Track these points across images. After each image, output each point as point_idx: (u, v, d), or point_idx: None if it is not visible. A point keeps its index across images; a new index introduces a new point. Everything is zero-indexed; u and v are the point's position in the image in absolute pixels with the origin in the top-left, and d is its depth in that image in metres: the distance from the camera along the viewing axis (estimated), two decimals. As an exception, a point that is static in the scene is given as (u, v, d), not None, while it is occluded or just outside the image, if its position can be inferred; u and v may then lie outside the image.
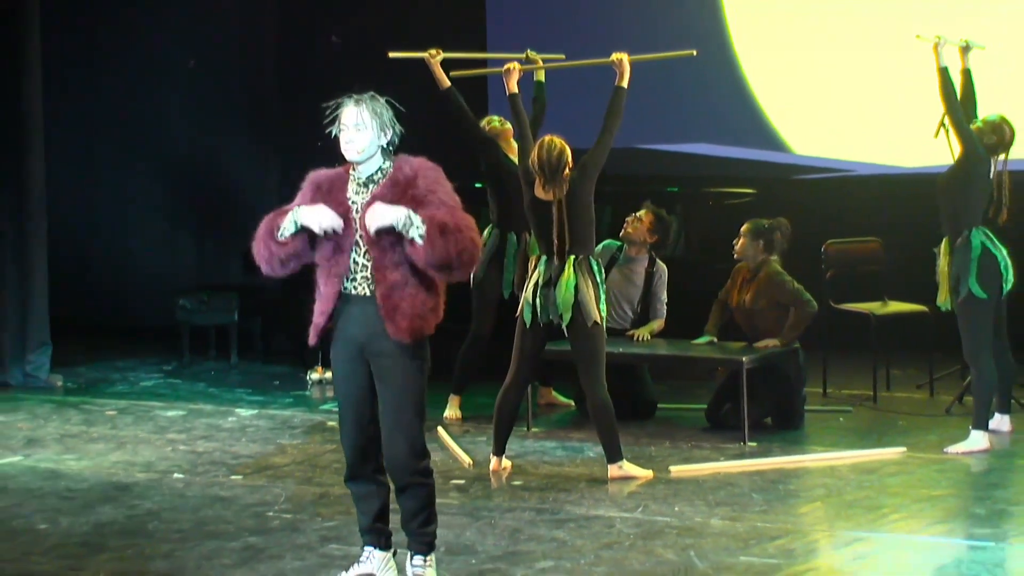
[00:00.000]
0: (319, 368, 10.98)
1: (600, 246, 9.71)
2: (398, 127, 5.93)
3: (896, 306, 10.36)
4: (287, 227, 5.83)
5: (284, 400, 10.57)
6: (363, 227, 5.79)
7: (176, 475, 8.32)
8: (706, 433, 9.21)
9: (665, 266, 9.75)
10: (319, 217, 5.78)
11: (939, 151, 9.82)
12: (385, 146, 5.90)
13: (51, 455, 8.87)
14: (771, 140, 12.26)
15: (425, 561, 6.05)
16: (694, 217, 11.81)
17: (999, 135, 8.81)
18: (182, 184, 13.89)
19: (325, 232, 5.79)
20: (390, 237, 5.75)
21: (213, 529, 7.14)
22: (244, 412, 10.18)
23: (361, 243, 5.83)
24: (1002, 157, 8.88)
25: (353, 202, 5.86)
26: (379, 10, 13.21)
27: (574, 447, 8.89)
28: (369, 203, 5.78)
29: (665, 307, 9.67)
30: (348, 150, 5.86)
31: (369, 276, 5.84)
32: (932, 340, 10.14)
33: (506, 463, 8.26)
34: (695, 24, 12.52)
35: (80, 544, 6.92)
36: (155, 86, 13.79)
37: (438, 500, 7.57)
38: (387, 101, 5.95)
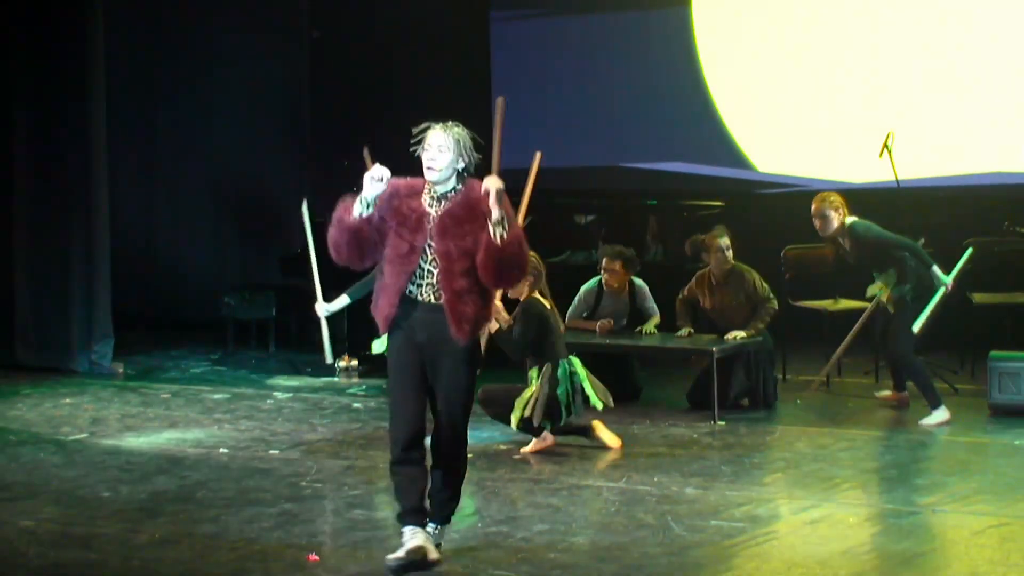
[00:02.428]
0: (346, 357, 10.93)
1: (582, 291, 9.77)
2: (475, 155, 5.80)
3: (846, 303, 10.33)
4: (356, 209, 5.67)
5: (315, 385, 10.54)
6: (436, 238, 5.66)
7: (222, 450, 8.29)
8: (683, 413, 9.18)
9: (643, 282, 9.77)
10: (371, 172, 5.65)
11: (882, 169, 9.85)
12: (460, 170, 5.77)
13: (113, 433, 8.85)
14: (737, 159, 12.22)
15: (437, 529, 5.97)
16: (670, 227, 11.80)
17: None
18: (228, 196, 13.88)
19: (374, 181, 5.64)
20: (458, 248, 5.64)
21: (253, 497, 7.11)
22: (281, 395, 10.15)
23: (430, 252, 5.69)
24: None
25: (428, 213, 5.72)
26: (394, 55, 13.21)
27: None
28: (442, 218, 5.67)
29: (655, 306, 9.68)
30: (429, 169, 5.73)
31: (434, 284, 5.69)
32: (877, 332, 10.11)
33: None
34: (669, 55, 12.49)
35: (138, 509, 6.89)
36: (206, 111, 13.80)
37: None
38: (470, 132, 5.86)
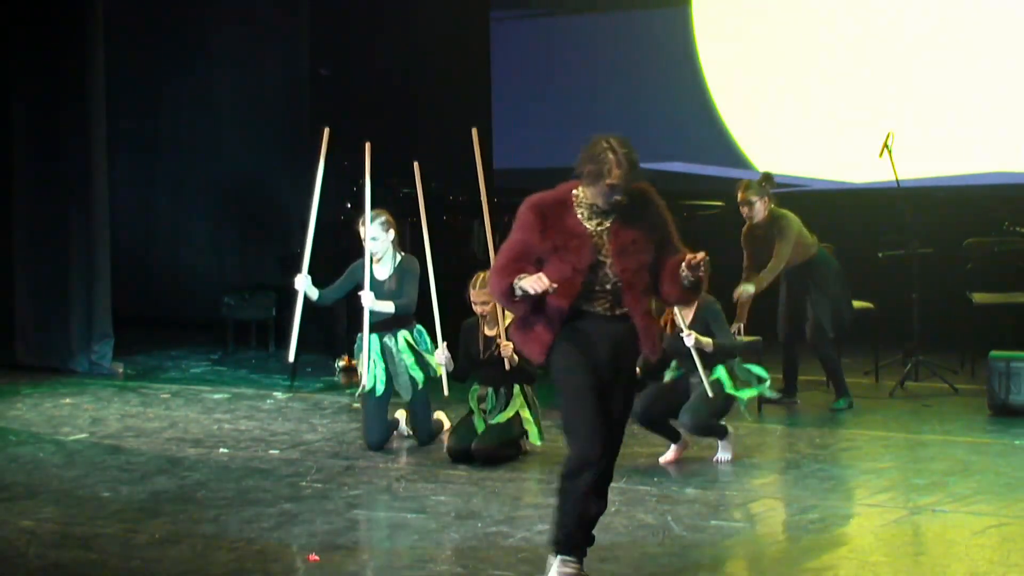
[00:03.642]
0: (345, 357, 10.93)
1: None
2: (639, 168, 5.48)
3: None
4: (518, 294, 5.31)
5: (315, 385, 10.54)
6: (615, 256, 5.35)
7: (222, 450, 8.29)
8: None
9: None
10: (539, 285, 5.23)
11: (882, 169, 9.85)
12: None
13: (113, 433, 8.85)
14: (736, 159, 12.23)
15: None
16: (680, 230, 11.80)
17: None
18: (228, 197, 13.88)
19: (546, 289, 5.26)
20: (639, 263, 5.39)
21: (253, 497, 7.11)
22: (280, 395, 10.15)
23: (600, 270, 5.36)
24: None
25: (588, 228, 5.39)
26: (395, 55, 13.22)
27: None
28: (618, 236, 5.36)
29: None
30: (611, 202, 5.36)
31: (613, 298, 5.38)
32: (877, 333, 10.13)
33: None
34: (669, 55, 12.50)
35: (138, 510, 6.89)
36: (206, 114, 13.82)
37: (445, 473, 7.60)
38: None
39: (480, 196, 8.07)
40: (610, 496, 6.95)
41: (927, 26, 11.57)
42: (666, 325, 7.73)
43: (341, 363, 11.03)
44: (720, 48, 12.35)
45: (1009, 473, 7.48)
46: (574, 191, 5.46)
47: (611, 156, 5.36)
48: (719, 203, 11.98)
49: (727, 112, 12.30)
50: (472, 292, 7.95)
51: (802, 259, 9.08)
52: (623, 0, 12.73)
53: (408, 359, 8.11)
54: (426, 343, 8.21)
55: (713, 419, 7.73)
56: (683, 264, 5.35)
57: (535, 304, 5.39)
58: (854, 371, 10.34)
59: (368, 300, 8.00)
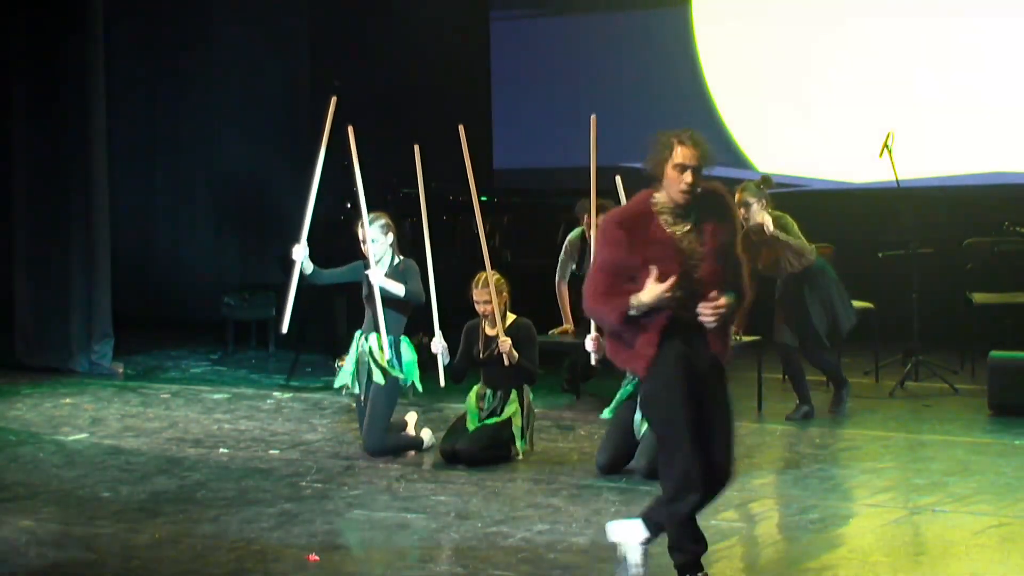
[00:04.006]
0: (344, 357, 10.91)
1: (568, 243, 9.49)
2: (710, 154, 5.36)
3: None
4: (634, 311, 5.21)
5: (315, 385, 10.54)
6: (704, 258, 5.24)
7: (221, 450, 8.29)
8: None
9: None
10: (659, 292, 5.16)
11: (882, 169, 9.86)
12: None
13: (113, 433, 8.85)
14: (737, 159, 12.23)
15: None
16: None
17: None
18: (228, 197, 13.89)
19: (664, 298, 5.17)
20: (723, 267, 5.28)
21: (253, 497, 7.12)
22: (280, 395, 10.15)
23: (695, 271, 5.22)
24: None
25: (674, 234, 5.26)
26: (395, 55, 13.22)
27: (567, 426, 8.87)
28: (705, 240, 5.25)
29: None
30: (685, 190, 5.24)
31: (698, 302, 5.23)
32: (877, 333, 10.13)
33: None
34: (669, 55, 12.50)
35: (138, 510, 6.89)
36: (206, 114, 13.83)
37: (445, 473, 7.60)
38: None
39: (471, 192, 8.03)
40: (610, 496, 7.00)
41: (927, 26, 11.57)
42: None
43: (340, 363, 11.01)
44: (720, 48, 12.36)
45: (1009, 473, 7.48)
46: (651, 198, 5.34)
47: (673, 139, 5.31)
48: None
49: (727, 112, 12.31)
50: (474, 291, 7.94)
51: (800, 267, 9.04)
52: (623, 0, 12.73)
53: (371, 360, 8.07)
54: (397, 352, 8.07)
55: None
56: (702, 305, 5.21)
57: (620, 320, 5.27)
58: (854, 371, 10.34)
59: (377, 276, 7.95)
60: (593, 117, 7.60)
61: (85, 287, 11.08)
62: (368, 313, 8.15)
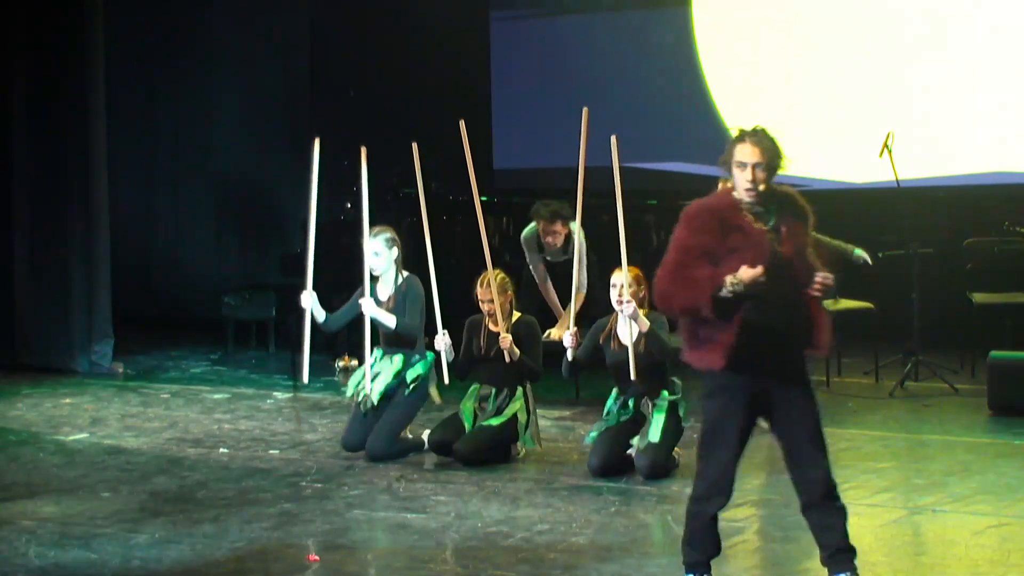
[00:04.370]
0: (346, 357, 10.94)
1: (526, 238, 9.43)
2: (785, 161, 5.33)
3: (846, 303, 10.30)
4: (728, 291, 5.06)
5: (315, 385, 10.52)
6: (788, 257, 5.16)
7: (221, 450, 8.29)
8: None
9: (582, 231, 8.94)
10: (753, 275, 5.05)
11: (882, 169, 9.86)
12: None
13: (113, 432, 8.85)
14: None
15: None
16: (671, 226, 11.77)
17: None
18: (228, 197, 13.89)
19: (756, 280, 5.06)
20: (805, 267, 5.19)
21: (253, 497, 7.12)
22: (280, 395, 10.15)
23: (778, 268, 5.12)
24: None
25: (756, 231, 5.21)
26: (394, 55, 13.22)
27: (567, 426, 8.87)
28: (786, 236, 5.20)
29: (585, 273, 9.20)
30: (751, 190, 5.21)
31: (781, 301, 5.14)
32: (877, 333, 10.13)
33: None
34: (669, 55, 12.50)
35: (138, 509, 6.90)
36: (206, 114, 13.83)
37: (445, 473, 7.60)
38: (772, 134, 5.40)
39: (471, 188, 7.99)
40: (610, 496, 7.00)
41: (927, 26, 11.57)
42: (609, 333, 7.68)
43: (341, 363, 11.03)
44: (720, 48, 12.35)
45: (1009, 473, 7.48)
46: (733, 193, 5.29)
47: (736, 135, 5.31)
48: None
49: (727, 112, 12.30)
50: (479, 290, 7.93)
51: None
52: (623, 0, 12.73)
53: (390, 376, 8.01)
54: (423, 369, 8.03)
55: (668, 459, 7.51)
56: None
57: (694, 316, 5.18)
58: (854, 371, 10.35)
59: (369, 307, 7.92)
60: (585, 110, 7.55)
61: (85, 287, 11.08)
62: (382, 332, 8.09)
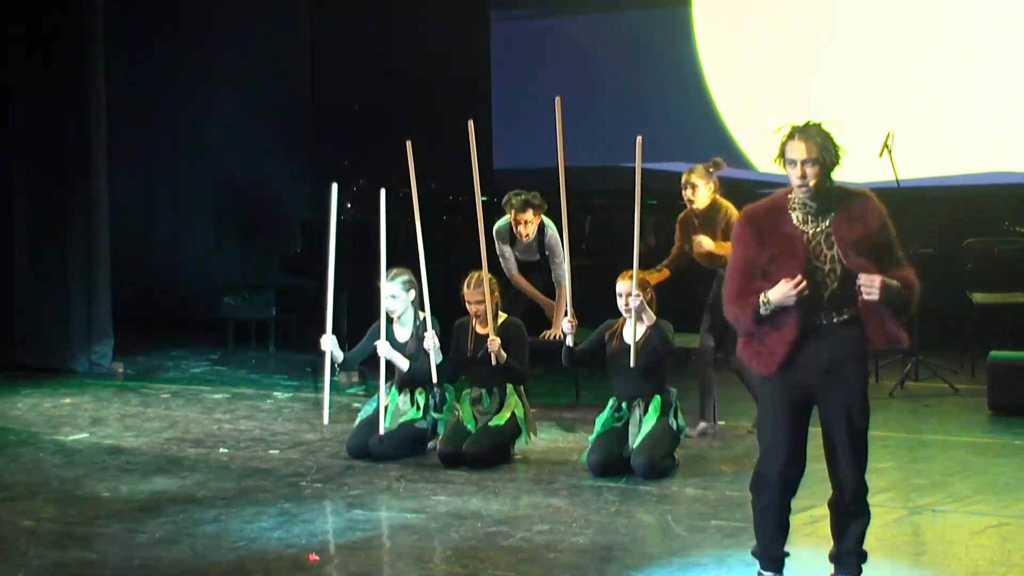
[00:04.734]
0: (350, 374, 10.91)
1: (498, 231, 9.23)
2: (841, 155, 5.29)
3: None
4: (763, 310, 5.07)
5: (316, 385, 10.53)
6: (829, 259, 5.08)
7: (222, 450, 8.29)
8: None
9: (552, 223, 9.13)
10: (788, 290, 5.01)
11: (882, 169, 9.85)
12: (831, 175, 5.22)
13: (113, 432, 8.85)
14: (737, 158, 12.21)
15: None
16: (671, 226, 11.77)
17: None
18: (228, 197, 13.90)
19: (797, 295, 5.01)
20: (866, 265, 5.07)
21: (254, 497, 7.12)
22: (281, 395, 10.15)
23: (824, 271, 5.09)
24: None
25: (804, 232, 5.14)
26: (395, 55, 13.23)
27: (567, 426, 8.87)
28: (841, 229, 5.11)
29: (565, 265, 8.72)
30: (802, 186, 5.13)
31: (833, 304, 5.09)
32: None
33: None
34: (669, 55, 12.50)
35: (138, 509, 6.89)
36: (206, 114, 13.84)
37: (445, 473, 7.59)
38: (825, 127, 5.36)
39: (475, 190, 7.97)
40: (610, 496, 7.00)
41: (927, 26, 11.57)
42: (615, 333, 7.68)
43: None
44: (720, 48, 12.36)
45: (1009, 473, 7.48)
46: (789, 194, 5.23)
47: (786, 132, 5.23)
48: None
49: (727, 112, 12.30)
50: (466, 291, 7.93)
51: None
52: (623, 0, 12.73)
53: (412, 413, 8.02)
54: (446, 401, 8.06)
55: (667, 459, 7.51)
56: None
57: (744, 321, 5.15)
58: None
59: (384, 349, 7.92)
60: (558, 99, 7.50)
61: (85, 287, 11.08)
62: (396, 371, 8.10)
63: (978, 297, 10.35)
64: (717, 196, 8.47)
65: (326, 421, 8.11)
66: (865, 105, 11.72)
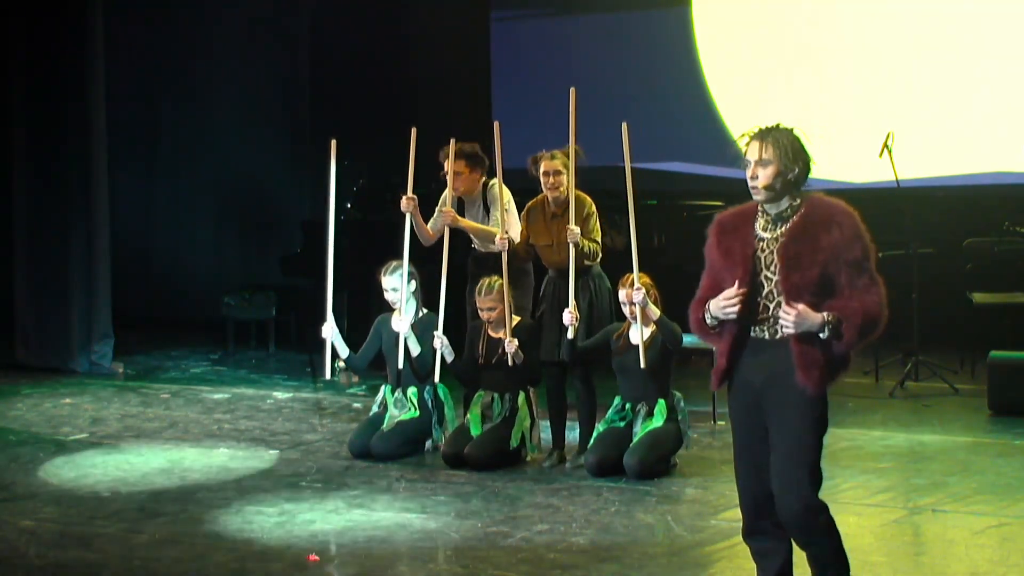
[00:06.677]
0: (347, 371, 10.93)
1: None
2: (809, 161, 4.90)
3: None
4: (708, 319, 4.83)
5: (315, 385, 10.54)
6: (781, 271, 4.70)
7: (221, 449, 8.29)
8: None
9: (496, 190, 8.61)
10: (724, 304, 4.74)
11: (882, 169, 9.86)
12: (793, 181, 4.82)
13: (113, 432, 8.85)
14: (736, 159, 12.21)
15: None
16: (671, 226, 11.79)
17: None
18: (229, 196, 13.89)
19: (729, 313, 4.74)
20: (805, 281, 4.68)
21: (253, 496, 7.12)
22: (280, 395, 10.15)
23: (767, 285, 4.77)
24: None
25: (760, 239, 4.80)
26: (395, 55, 13.22)
27: (567, 427, 8.84)
28: (784, 247, 4.72)
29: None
30: (753, 188, 4.84)
31: (772, 319, 4.74)
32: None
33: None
34: (669, 55, 12.50)
35: (138, 509, 6.90)
36: (206, 114, 13.83)
37: (445, 473, 7.59)
38: (794, 132, 5.00)
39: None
40: (610, 496, 7.00)
41: (927, 26, 11.57)
42: (621, 335, 7.67)
43: (341, 363, 11.01)
44: (720, 48, 12.36)
45: (1009, 473, 7.49)
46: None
47: (749, 133, 4.95)
48: (719, 203, 11.97)
49: (727, 112, 12.30)
50: (478, 299, 7.89)
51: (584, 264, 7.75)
52: (623, 0, 12.73)
53: (410, 413, 8.05)
54: (440, 399, 8.09)
55: (660, 463, 7.47)
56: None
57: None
58: (854, 371, 10.31)
59: (404, 325, 7.93)
60: (572, 90, 7.47)
61: (85, 287, 11.08)
62: (390, 367, 8.11)
63: (978, 297, 10.35)
64: (577, 191, 7.90)
65: (327, 376, 8.15)
66: (865, 105, 11.72)
